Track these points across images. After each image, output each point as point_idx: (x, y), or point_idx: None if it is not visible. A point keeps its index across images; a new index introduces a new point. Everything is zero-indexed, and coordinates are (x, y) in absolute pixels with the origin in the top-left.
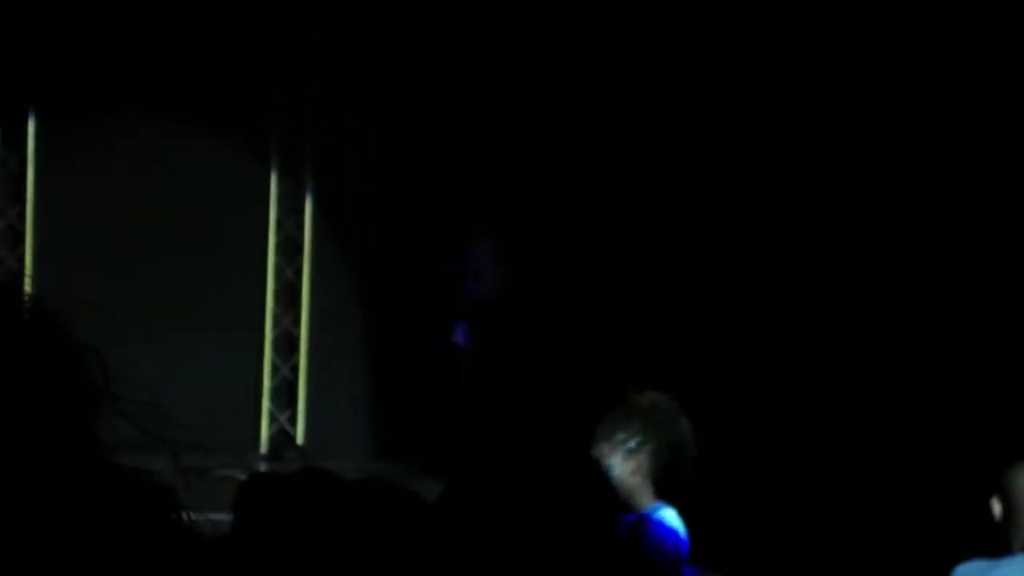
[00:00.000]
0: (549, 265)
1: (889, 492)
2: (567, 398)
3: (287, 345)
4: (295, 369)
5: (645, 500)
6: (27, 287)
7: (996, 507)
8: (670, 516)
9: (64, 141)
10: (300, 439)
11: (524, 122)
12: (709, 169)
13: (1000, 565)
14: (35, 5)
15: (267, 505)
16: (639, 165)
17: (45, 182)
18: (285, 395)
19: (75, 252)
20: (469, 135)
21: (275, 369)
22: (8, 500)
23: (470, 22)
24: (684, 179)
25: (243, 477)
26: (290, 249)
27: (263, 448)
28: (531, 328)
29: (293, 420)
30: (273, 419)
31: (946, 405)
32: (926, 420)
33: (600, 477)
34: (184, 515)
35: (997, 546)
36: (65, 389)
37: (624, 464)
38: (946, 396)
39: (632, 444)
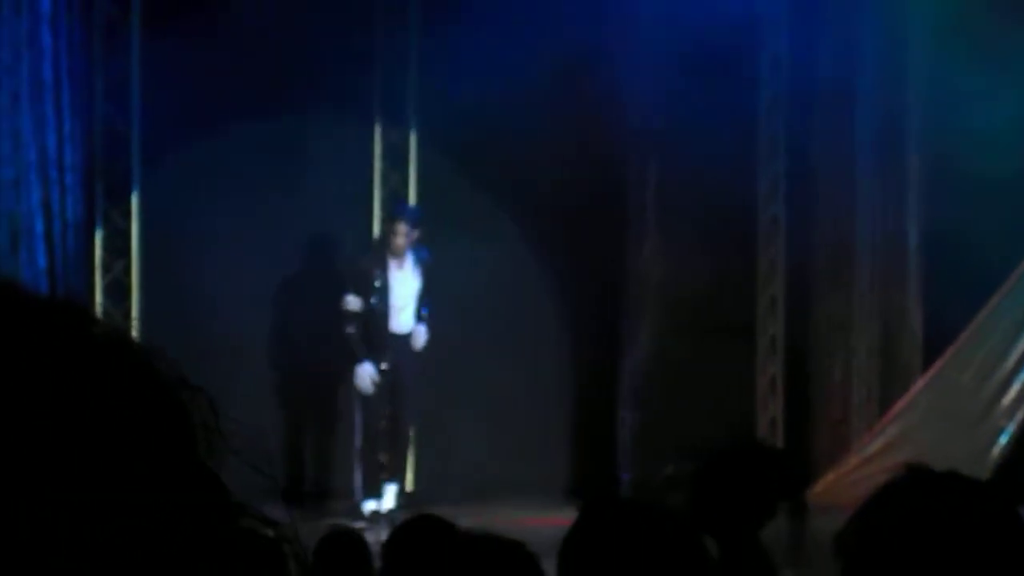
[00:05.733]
0: None
1: None
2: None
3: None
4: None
5: None
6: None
7: None
8: None
9: (167, 192)
10: (410, 486)
11: None
12: None
13: None
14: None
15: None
16: None
17: (150, 235)
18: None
19: (180, 305)
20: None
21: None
22: (143, 551)
23: None
24: None
25: (357, 525)
26: None
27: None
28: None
29: None
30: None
31: None
32: None
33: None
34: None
35: None
36: (181, 427)
37: None
38: None
39: None
